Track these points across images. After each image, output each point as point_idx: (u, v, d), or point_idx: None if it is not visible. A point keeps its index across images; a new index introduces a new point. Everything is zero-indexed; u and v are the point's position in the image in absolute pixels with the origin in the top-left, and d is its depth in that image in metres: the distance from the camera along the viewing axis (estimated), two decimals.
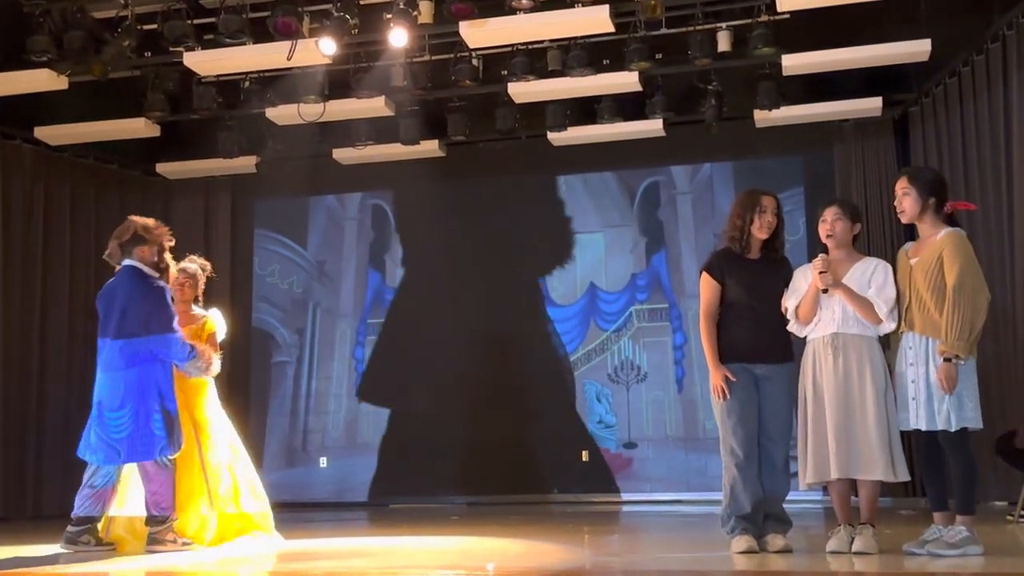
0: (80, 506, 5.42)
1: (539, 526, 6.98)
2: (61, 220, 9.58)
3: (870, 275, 4.69)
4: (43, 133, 9.23)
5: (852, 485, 4.68)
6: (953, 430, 4.41)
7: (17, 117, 9.06)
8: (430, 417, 9.86)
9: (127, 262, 5.55)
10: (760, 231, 4.85)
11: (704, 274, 4.92)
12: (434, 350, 10.01)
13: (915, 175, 4.69)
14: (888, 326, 4.63)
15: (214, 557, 5.25)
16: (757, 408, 4.77)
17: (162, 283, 5.57)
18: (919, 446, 4.61)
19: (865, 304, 4.63)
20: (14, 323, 9.09)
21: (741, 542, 4.65)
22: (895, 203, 4.69)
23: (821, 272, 4.64)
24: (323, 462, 10.14)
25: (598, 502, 9.39)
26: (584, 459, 9.60)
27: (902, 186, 4.65)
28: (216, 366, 5.67)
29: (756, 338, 4.80)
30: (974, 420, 4.44)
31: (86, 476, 5.48)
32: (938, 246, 4.53)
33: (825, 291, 4.66)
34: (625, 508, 9.01)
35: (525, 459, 9.68)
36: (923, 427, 4.48)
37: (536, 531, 6.48)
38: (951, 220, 4.64)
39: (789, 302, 4.80)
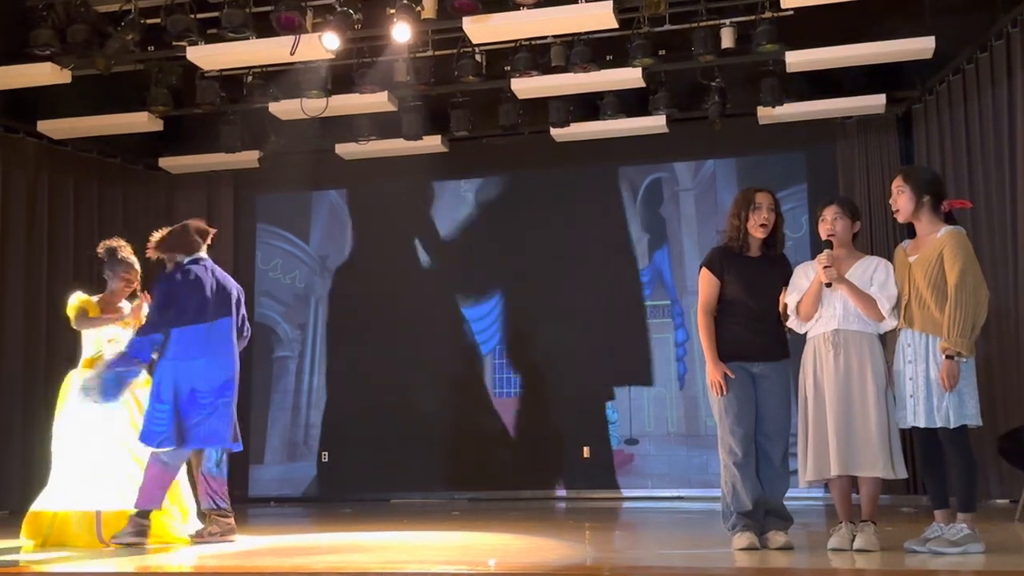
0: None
1: (540, 522, 6.98)
2: (64, 214, 9.58)
3: (871, 273, 4.69)
4: (46, 127, 9.25)
5: (853, 482, 4.68)
6: (953, 427, 4.41)
7: (20, 111, 9.08)
8: (432, 413, 9.86)
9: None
10: (756, 229, 4.84)
11: (703, 269, 4.92)
12: (436, 345, 10.01)
13: (909, 173, 4.69)
14: (890, 323, 4.63)
15: (214, 553, 5.25)
16: (754, 406, 4.78)
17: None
18: (919, 444, 4.61)
19: (868, 300, 4.63)
20: (17, 319, 9.09)
21: (742, 539, 4.65)
22: (890, 201, 4.69)
23: (826, 267, 4.64)
24: (324, 457, 10.14)
25: (599, 498, 9.39)
26: (586, 455, 9.61)
27: (897, 184, 4.66)
28: None
29: (753, 336, 4.79)
30: (974, 417, 4.44)
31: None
32: (938, 244, 4.52)
33: (829, 285, 4.66)
34: (626, 504, 9.01)
35: (526, 455, 9.69)
36: (922, 424, 4.47)
37: (537, 527, 6.49)
38: (950, 219, 4.64)
39: (789, 299, 4.80)
